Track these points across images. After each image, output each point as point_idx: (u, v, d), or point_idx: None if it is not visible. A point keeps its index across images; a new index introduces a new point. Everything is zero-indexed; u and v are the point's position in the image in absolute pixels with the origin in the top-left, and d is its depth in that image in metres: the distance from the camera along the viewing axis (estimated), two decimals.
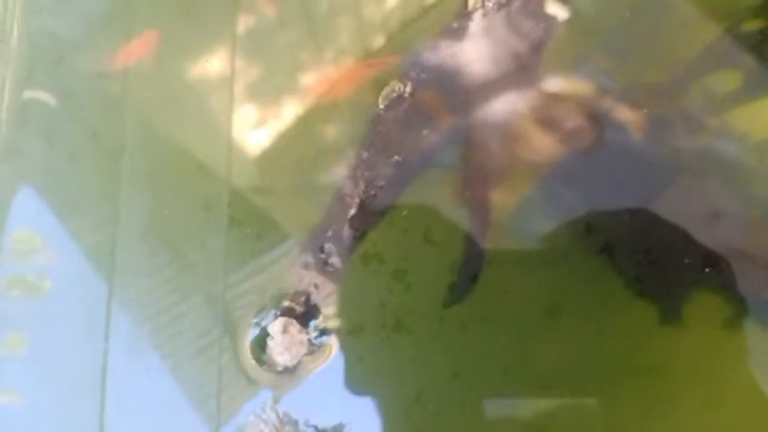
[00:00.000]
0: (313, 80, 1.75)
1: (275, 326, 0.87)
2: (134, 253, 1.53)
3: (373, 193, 0.37)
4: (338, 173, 1.74)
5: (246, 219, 1.99)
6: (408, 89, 0.46)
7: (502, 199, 1.55)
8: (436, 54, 1.77)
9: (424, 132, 0.41)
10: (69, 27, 1.18)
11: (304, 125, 1.74)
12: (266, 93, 1.98)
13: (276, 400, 0.88)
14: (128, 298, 1.54)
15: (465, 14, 1.76)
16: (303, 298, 0.88)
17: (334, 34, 2.04)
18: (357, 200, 0.40)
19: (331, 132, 1.77)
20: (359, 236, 0.38)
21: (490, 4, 1.74)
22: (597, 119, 1.73)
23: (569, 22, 1.84)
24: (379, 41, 2.22)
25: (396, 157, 0.38)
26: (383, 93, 0.48)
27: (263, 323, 0.87)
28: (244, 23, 1.65)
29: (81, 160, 1.34)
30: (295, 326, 0.86)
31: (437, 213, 0.35)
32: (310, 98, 1.88)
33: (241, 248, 1.86)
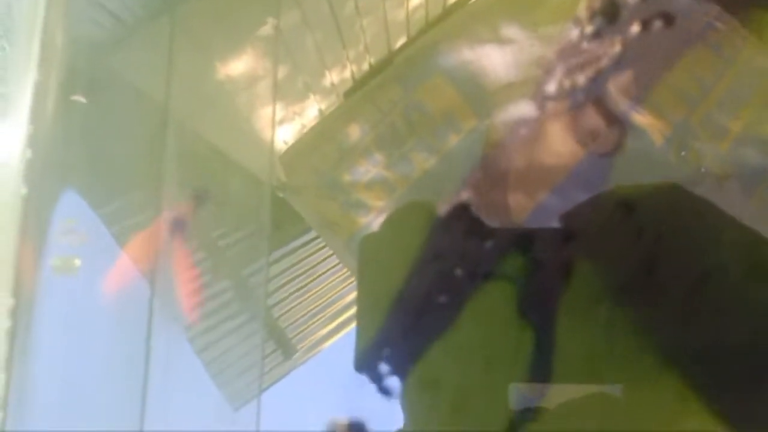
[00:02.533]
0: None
1: None
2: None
3: (431, 308, 0.37)
4: (362, 172, 1.79)
5: (265, 213, 2.05)
6: (466, 197, 0.46)
7: (517, 203, 1.58)
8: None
9: (486, 243, 0.41)
10: (109, 32, 1.23)
11: (329, 124, 1.79)
12: (292, 92, 2.03)
13: None
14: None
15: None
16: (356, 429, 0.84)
17: (359, 35, 2.08)
18: (413, 316, 0.40)
19: (354, 131, 1.81)
20: (415, 357, 0.37)
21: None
22: (617, 122, 1.74)
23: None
24: (402, 40, 2.25)
25: (457, 269, 0.38)
26: (441, 204, 0.47)
27: None
28: (271, 25, 1.69)
29: (121, 158, 1.40)
30: None
31: (499, 331, 0.34)
32: (336, 97, 1.93)
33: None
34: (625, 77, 1.73)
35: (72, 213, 1.38)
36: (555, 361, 0.40)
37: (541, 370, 0.39)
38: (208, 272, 2.03)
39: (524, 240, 0.46)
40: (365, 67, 2.23)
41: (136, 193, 1.57)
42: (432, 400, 0.47)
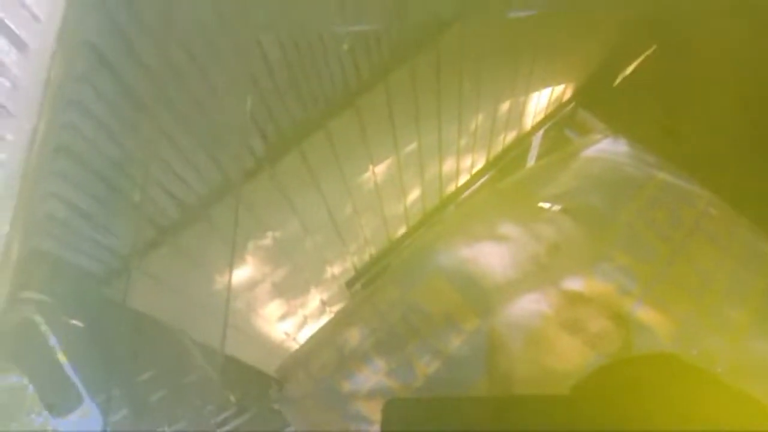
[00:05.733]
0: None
1: None
2: None
3: None
4: (362, 380, 1.72)
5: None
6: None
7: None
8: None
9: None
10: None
11: (327, 329, 1.76)
12: (293, 290, 2.04)
13: None
14: None
15: None
16: None
17: (359, 231, 2.14)
18: None
19: (354, 335, 1.78)
20: None
21: None
22: (623, 321, 1.70)
23: (585, 221, 1.89)
24: (401, 232, 2.32)
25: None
26: None
27: None
28: (271, 236, 1.74)
29: None
30: None
31: None
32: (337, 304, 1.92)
33: None
34: None
35: None
36: None
37: None
38: None
39: None
40: (366, 257, 2.26)
41: None
42: None
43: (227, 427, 1.67)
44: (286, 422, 1.80)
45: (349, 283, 2.04)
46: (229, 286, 1.50)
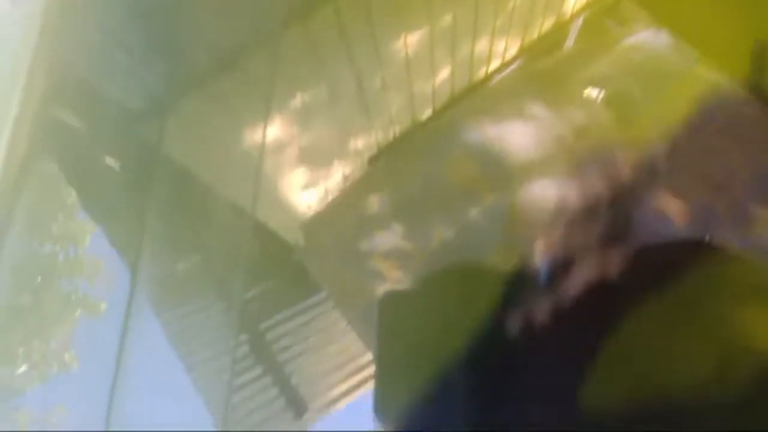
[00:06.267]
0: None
1: None
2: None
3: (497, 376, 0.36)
4: (380, 242, 1.80)
5: (282, 273, 2.06)
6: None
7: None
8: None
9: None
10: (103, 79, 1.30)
11: (350, 192, 1.82)
12: (317, 157, 2.08)
13: None
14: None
15: None
16: None
17: (385, 107, 2.14)
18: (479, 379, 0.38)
19: (375, 201, 1.84)
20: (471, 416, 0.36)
21: None
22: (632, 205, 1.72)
23: (617, 108, 1.87)
24: (427, 112, 2.31)
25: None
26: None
27: None
28: (300, 98, 1.76)
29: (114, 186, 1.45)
30: None
31: None
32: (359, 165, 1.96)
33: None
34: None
35: None
36: None
37: None
38: (220, 327, 2.04)
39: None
40: (390, 135, 2.28)
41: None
42: None
43: (252, 294, 1.75)
44: (308, 288, 1.90)
45: (372, 160, 2.07)
46: (263, 144, 1.54)
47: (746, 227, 1.71)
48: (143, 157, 1.56)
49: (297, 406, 2.26)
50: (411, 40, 1.89)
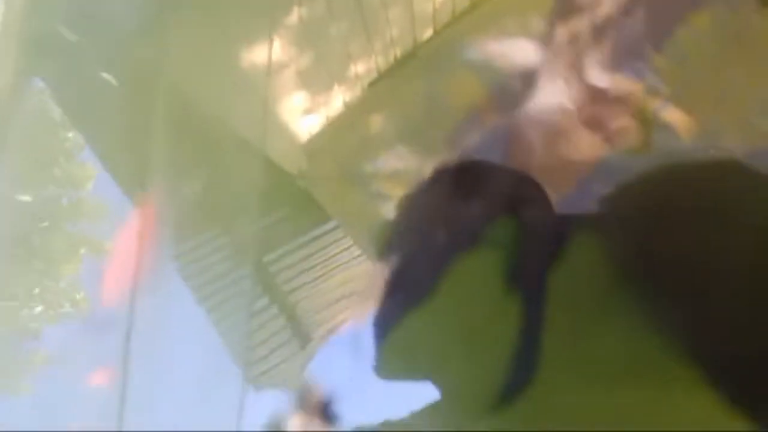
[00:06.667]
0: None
1: (294, 423, 0.82)
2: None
3: (411, 273, 0.36)
4: (383, 163, 1.79)
5: (287, 202, 2.07)
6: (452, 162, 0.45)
7: None
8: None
9: (472, 204, 0.40)
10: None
11: (352, 114, 1.79)
12: (316, 81, 2.04)
13: None
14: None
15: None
16: (322, 393, 0.84)
17: (385, 26, 2.07)
18: (393, 281, 0.39)
19: (377, 122, 1.81)
20: (394, 324, 0.36)
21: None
22: (645, 120, 1.71)
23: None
24: (428, 33, 2.24)
25: (439, 232, 0.37)
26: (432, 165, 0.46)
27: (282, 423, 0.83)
28: (296, 13, 1.70)
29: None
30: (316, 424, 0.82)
31: (483, 302, 0.33)
32: (360, 87, 1.92)
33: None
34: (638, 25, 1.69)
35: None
36: (544, 337, 0.38)
37: (528, 346, 0.38)
38: (228, 259, 2.06)
39: (515, 203, 0.43)
40: (391, 58, 2.22)
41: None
42: (408, 366, 0.46)
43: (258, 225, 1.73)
44: (313, 216, 1.89)
45: (372, 85, 2.02)
46: (269, 66, 1.49)
47: (751, 139, 1.70)
48: (143, 76, 1.52)
49: (301, 337, 2.33)
50: None
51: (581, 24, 1.72)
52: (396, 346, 0.44)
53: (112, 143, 1.80)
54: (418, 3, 2.18)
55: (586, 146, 1.67)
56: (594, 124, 1.68)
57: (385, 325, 0.44)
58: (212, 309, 2.04)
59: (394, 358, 0.45)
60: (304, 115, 2.06)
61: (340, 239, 1.94)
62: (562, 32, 1.75)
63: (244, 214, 1.81)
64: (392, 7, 2.07)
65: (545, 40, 1.72)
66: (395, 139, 1.72)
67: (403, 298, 0.43)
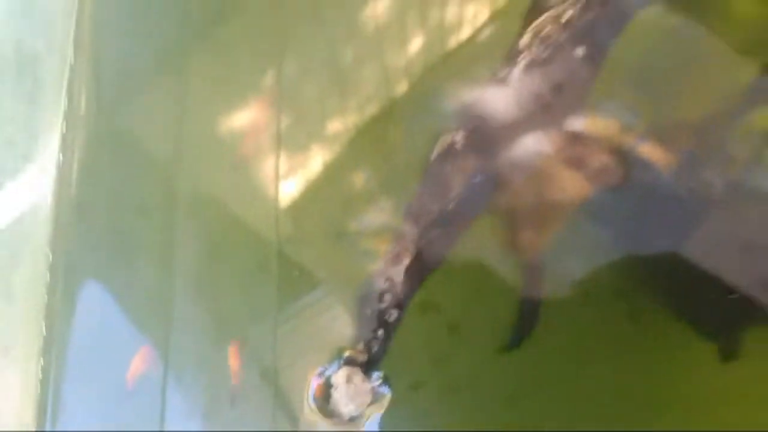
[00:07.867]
0: None
1: (339, 376, 0.83)
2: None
3: (428, 241, 0.36)
4: (368, 220, 1.76)
5: (289, 266, 2.01)
6: (459, 138, 0.46)
7: (533, 240, 1.54)
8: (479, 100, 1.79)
9: (477, 178, 0.41)
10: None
11: (333, 172, 1.78)
12: (294, 141, 2.03)
13: None
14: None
15: (511, 61, 1.79)
16: (364, 347, 0.86)
17: (360, 82, 2.10)
18: (412, 248, 0.39)
19: (359, 179, 1.80)
20: (415, 285, 0.36)
21: (537, 50, 1.77)
22: (623, 157, 1.72)
23: (592, 58, 1.86)
24: (403, 87, 2.27)
25: (451, 204, 0.37)
26: (438, 144, 0.48)
27: (326, 374, 0.84)
28: (271, 76, 1.71)
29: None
30: (358, 375, 0.84)
31: (491, 262, 0.33)
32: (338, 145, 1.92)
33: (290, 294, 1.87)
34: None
35: None
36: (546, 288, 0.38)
37: (531, 298, 0.38)
38: (211, 331, 1.98)
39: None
40: (368, 114, 2.24)
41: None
42: (431, 322, 0.45)
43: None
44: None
45: (351, 142, 2.02)
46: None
47: (726, 168, 1.72)
48: None
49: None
50: (380, 8, 1.84)
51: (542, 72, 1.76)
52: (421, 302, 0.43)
53: None
54: (391, 58, 2.22)
55: (570, 186, 1.67)
56: (575, 163, 1.69)
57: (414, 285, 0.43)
58: None
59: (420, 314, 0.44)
60: (284, 178, 2.04)
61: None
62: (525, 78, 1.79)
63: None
64: (366, 62, 2.10)
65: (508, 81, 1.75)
66: (378, 193, 1.71)
67: (427, 259, 0.42)
